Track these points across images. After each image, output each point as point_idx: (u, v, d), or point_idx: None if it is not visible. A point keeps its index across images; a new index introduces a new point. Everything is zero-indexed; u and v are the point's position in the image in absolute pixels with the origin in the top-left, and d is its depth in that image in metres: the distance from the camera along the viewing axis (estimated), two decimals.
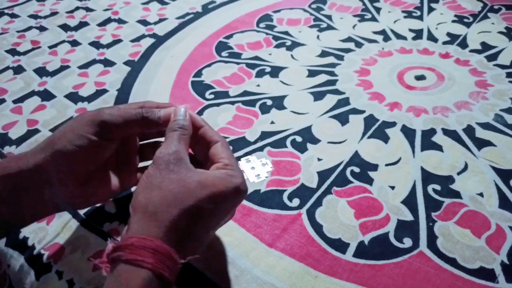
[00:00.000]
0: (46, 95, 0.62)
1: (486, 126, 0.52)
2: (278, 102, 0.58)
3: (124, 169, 0.41)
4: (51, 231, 0.42)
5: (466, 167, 0.47)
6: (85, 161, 0.36)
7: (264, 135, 0.53)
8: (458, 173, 0.46)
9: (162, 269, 0.28)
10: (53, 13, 0.85)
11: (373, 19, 0.75)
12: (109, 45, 0.73)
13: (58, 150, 0.34)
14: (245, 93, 0.60)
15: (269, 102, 0.58)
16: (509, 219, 0.41)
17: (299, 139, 0.52)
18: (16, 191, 0.35)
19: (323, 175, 0.47)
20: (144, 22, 0.80)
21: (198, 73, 0.65)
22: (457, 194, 0.44)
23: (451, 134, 0.51)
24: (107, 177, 0.39)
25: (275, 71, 0.64)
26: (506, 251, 0.38)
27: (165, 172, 0.32)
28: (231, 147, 0.38)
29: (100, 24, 0.80)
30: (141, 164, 0.43)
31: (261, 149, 0.50)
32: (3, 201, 0.35)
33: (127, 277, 0.27)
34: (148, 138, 0.43)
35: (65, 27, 0.80)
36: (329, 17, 0.77)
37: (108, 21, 0.81)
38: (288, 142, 0.51)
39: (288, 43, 0.70)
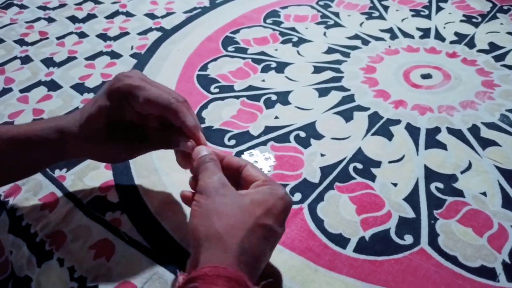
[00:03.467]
0: (53, 86, 0.63)
1: (491, 126, 0.51)
2: (283, 98, 0.58)
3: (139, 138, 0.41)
4: (53, 219, 0.43)
5: (470, 166, 0.46)
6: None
7: (268, 129, 0.53)
8: (462, 172, 0.46)
9: None
10: (62, 5, 0.85)
11: (381, 17, 0.75)
12: (116, 38, 0.74)
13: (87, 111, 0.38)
14: (250, 87, 0.60)
15: (274, 97, 0.58)
16: (511, 219, 0.41)
17: (302, 134, 0.52)
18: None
19: (325, 171, 0.47)
20: (151, 16, 0.80)
21: (204, 67, 0.65)
22: (460, 193, 0.44)
23: (456, 133, 0.51)
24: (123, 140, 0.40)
25: (281, 67, 0.64)
26: (508, 251, 0.38)
27: (218, 197, 0.31)
28: (234, 141, 0.40)
29: (108, 17, 0.80)
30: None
31: (264, 143, 0.50)
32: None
33: None
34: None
35: (73, 19, 0.80)
36: (336, 14, 0.76)
37: (116, 14, 0.81)
38: (291, 137, 0.51)
39: (295, 39, 0.70)
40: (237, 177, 0.36)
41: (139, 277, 0.37)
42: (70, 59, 0.68)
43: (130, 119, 0.39)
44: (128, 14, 0.81)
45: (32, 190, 0.46)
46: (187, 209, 0.43)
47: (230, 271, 0.27)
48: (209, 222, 0.30)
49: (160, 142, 0.40)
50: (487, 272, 0.37)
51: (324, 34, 0.71)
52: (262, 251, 0.31)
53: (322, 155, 0.49)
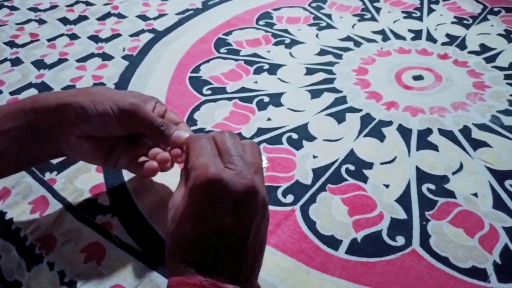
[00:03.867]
0: (43, 88, 0.62)
1: (482, 127, 0.52)
2: (276, 99, 0.58)
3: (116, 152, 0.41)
4: (43, 223, 0.42)
5: (461, 167, 0.47)
6: (95, 127, 0.38)
7: (261, 131, 0.53)
8: (453, 173, 0.46)
9: None
10: (53, 7, 0.85)
11: (373, 19, 0.75)
12: (107, 39, 0.73)
13: (83, 106, 0.37)
14: (243, 89, 0.60)
15: (266, 99, 0.58)
16: (502, 220, 0.41)
17: (295, 136, 0.52)
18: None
19: (318, 172, 0.47)
20: (143, 17, 0.80)
21: (196, 69, 0.65)
22: (451, 194, 0.44)
23: (447, 134, 0.51)
24: (101, 148, 0.40)
25: (273, 68, 0.64)
26: (499, 251, 0.38)
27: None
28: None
29: (99, 19, 0.80)
30: None
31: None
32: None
33: None
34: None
35: (64, 21, 0.80)
36: (328, 16, 0.77)
37: (107, 15, 0.81)
38: (284, 139, 0.51)
39: (287, 41, 0.70)
40: None
41: (130, 281, 0.37)
42: (61, 61, 0.68)
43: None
44: (120, 16, 0.80)
45: (22, 194, 0.46)
46: None
47: (175, 280, 0.28)
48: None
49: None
50: (479, 273, 0.37)
51: (317, 35, 0.71)
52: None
53: (314, 156, 0.49)
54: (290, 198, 0.44)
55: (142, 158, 0.41)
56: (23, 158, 0.39)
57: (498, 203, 0.43)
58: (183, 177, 0.34)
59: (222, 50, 0.69)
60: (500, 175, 0.45)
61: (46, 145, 0.38)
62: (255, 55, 0.67)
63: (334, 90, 0.59)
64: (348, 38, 0.70)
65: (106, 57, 0.69)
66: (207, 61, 0.66)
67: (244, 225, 0.30)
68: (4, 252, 0.41)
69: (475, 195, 0.43)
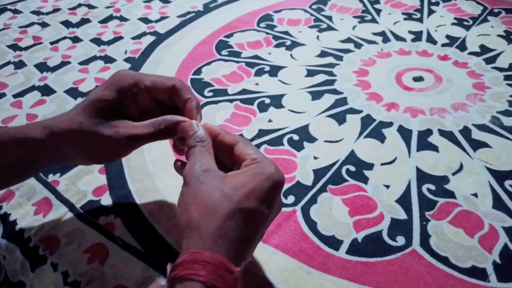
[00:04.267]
0: (46, 90, 0.63)
1: (482, 127, 0.52)
2: (277, 101, 0.58)
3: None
4: (47, 224, 0.43)
5: (461, 168, 0.47)
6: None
7: (262, 133, 0.53)
8: (453, 174, 0.46)
9: (215, 280, 0.27)
10: (56, 10, 0.85)
11: (373, 20, 0.76)
12: (110, 42, 0.74)
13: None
14: (244, 91, 0.60)
15: (267, 101, 0.58)
16: (502, 220, 0.41)
17: (296, 137, 0.52)
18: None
19: (318, 173, 0.47)
20: (145, 20, 0.80)
21: (198, 71, 0.65)
22: (451, 194, 0.44)
23: (447, 135, 0.51)
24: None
25: (274, 70, 0.64)
26: (499, 251, 0.39)
27: (197, 186, 0.31)
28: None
29: (101, 21, 0.81)
30: None
31: (258, 146, 0.51)
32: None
33: None
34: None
35: (67, 24, 0.80)
36: (329, 18, 0.77)
37: (109, 18, 0.81)
38: (285, 140, 0.52)
39: (288, 43, 0.71)
40: (232, 154, 0.35)
41: (133, 281, 0.37)
42: (63, 63, 0.69)
43: (129, 113, 0.39)
44: (122, 19, 0.81)
45: (26, 195, 0.46)
46: None
47: (206, 255, 0.28)
48: (188, 212, 0.30)
49: (157, 133, 0.38)
50: (478, 273, 0.37)
51: (317, 37, 0.72)
52: (245, 235, 0.30)
53: (315, 157, 0.49)
54: (291, 199, 0.44)
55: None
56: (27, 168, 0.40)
57: (498, 203, 0.43)
58: (206, 149, 0.34)
59: (224, 52, 0.69)
60: (500, 176, 0.46)
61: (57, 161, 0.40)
62: (256, 57, 0.68)
63: (335, 92, 0.59)
64: (348, 40, 0.70)
65: (108, 59, 0.69)
66: (209, 63, 0.67)
67: (273, 210, 0.33)
68: (8, 253, 0.42)
69: (475, 195, 0.44)
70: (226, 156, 0.36)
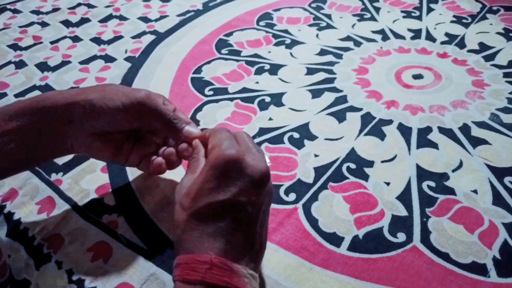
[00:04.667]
0: (47, 90, 0.63)
1: (481, 125, 0.52)
2: (277, 99, 0.58)
3: (125, 149, 0.42)
4: (50, 222, 0.43)
5: (461, 165, 0.47)
6: (107, 122, 0.39)
7: (262, 131, 0.53)
8: (453, 171, 0.47)
9: (186, 275, 0.29)
10: (55, 9, 0.85)
11: (372, 18, 0.76)
12: (110, 41, 0.74)
13: (93, 102, 0.38)
14: (244, 90, 0.61)
15: (268, 99, 0.58)
16: (502, 216, 0.42)
17: (296, 135, 0.52)
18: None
19: (319, 171, 0.47)
20: (145, 19, 0.80)
21: (198, 70, 0.65)
22: (451, 191, 0.44)
23: (447, 132, 0.51)
24: (111, 145, 0.41)
25: (274, 69, 0.65)
26: (498, 247, 0.39)
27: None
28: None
29: (101, 21, 0.81)
30: None
31: (259, 145, 0.51)
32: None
33: None
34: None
35: (66, 23, 0.80)
36: (328, 16, 0.77)
37: (109, 17, 0.82)
38: (285, 138, 0.52)
39: (288, 41, 0.71)
40: None
41: (136, 278, 0.38)
42: (64, 63, 0.69)
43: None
44: (122, 18, 0.81)
45: (29, 194, 0.46)
46: None
47: (180, 258, 0.31)
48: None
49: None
50: (478, 268, 0.37)
51: (317, 36, 0.72)
52: (210, 229, 0.31)
53: (315, 155, 0.49)
54: (292, 196, 0.45)
55: (153, 157, 0.42)
56: (29, 157, 0.39)
57: (498, 200, 0.43)
58: (194, 164, 0.36)
59: (223, 51, 0.70)
60: (499, 172, 0.46)
61: (54, 143, 0.39)
62: (256, 55, 0.68)
63: (335, 90, 0.60)
64: (348, 38, 0.71)
65: (108, 59, 0.69)
66: (209, 62, 0.67)
67: (256, 206, 0.32)
68: (13, 252, 0.42)
69: (475, 192, 0.44)
70: None
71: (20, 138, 0.37)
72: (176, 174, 0.46)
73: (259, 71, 0.64)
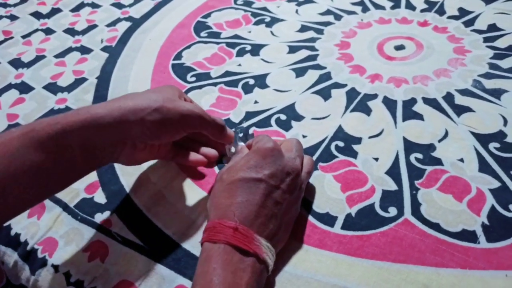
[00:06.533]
0: (24, 88, 0.61)
1: (464, 92, 0.53)
2: (261, 81, 0.58)
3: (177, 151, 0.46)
4: (42, 226, 0.43)
5: (446, 134, 0.48)
6: (161, 139, 0.41)
7: (249, 115, 0.53)
8: (439, 141, 0.47)
9: (213, 236, 0.33)
10: (23, 1, 0.82)
11: None
12: (84, 32, 0.71)
13: (147, 120, 0.38)
14: (227, 73, 0.60)
15: (252, 82, 0.58)
16: (488, 182, 0.43)
17: (283, 117, 0.52)
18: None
19: (309, 152, 0.47)
20: (118, 5, 0.78)
21: (178, 56, 0.64)
22: (438, 161, 0.45)
23: (431, 102, 0.52)
24: (163, 152, 0.45)
25: (256, 49, 0.64)
26: (486, 213, 0.40)
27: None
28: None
29: (73, 10, 0.78)
30: None
31: (246, 129, 0.51)
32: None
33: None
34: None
35: (37, 15, 0.77)
36: None
37: (81, 6, 0.79)
38: (272, 121, 0.52)
39: (267, 19, 0.70)
40: None
41: (135, 275, 0.38)
42: (39, 58, 0.67)
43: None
44: (94, 5, 0.78)
45: None
46: (176, 203, 0.43)
47: (210, 223, 0.35)
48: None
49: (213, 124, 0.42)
50: (468, 235, 0.39)
51: (296, 11, 0.71)
52: (247, 202, 0.35)
53: (304, 136, 0.49)
54: None
55: (191, 154, 0.46)
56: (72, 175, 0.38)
57: (484, 167, 0.44)
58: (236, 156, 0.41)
59: (203, 34, 0.68)
60: (484, 139, 0.47)
61: (97, 159, 0.38)
62: (236, 36, 0.67)
63: (318, 67, 0.59)
64: (328, 12, 0.70)
65: (84, 50, 0.67)
66: (188, 47, 0.66)
67: (283, 192, 0.37)
68: (7, 258, 0.42)
69: (461, 160, 0.45)
70: None
71: (69, 155, 0.36)
72: (168, 169, 0.46)
73: (241, 53, 0.63)
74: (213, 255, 0.32)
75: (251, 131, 0.50)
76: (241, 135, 0.44)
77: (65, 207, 0.44)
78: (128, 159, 0.41)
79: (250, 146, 0.41)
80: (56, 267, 0.39)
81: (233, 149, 0.43)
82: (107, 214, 0.43)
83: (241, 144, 0.43)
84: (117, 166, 0.48)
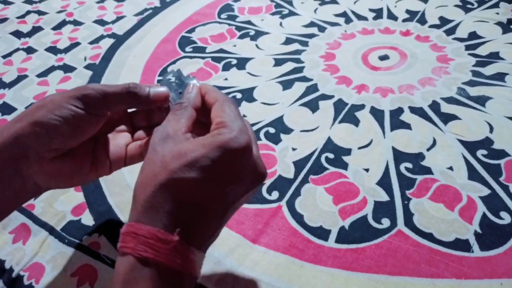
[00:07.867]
0: (6, 109, 0.60)
1: (450, 100, 0.53)
2: (248, 95, 0.57)
3: (101, 155, 0.36)
4: (28, 251, 0.41)
5: (434, 143, 0.48)
6: (65, 135, 0.32)
7: None
8: (428, 149, 0.47)
9: (143, 251, 0.26)
10: (3, 20, 0.81)
11: (333, 1, 0.75)
12: (67, 50, 0.70)
13: (38, 120, 0.31)
14: None
15: (239, 96, 0.57)
16: (478, 190, 0.43)
17: (272, 130, 0.52)
18: None
19: (299, 165, 0.47)
20: (101, 22, 0.77)
21: (163, 72, 0.63)
22: (428, 170, 0.45)
23: (418, 111, 0.52)
24: (84, 158, 0.35)
25: (242, 63, 0.63)
26: (478, 221, 0.40)
27: (149, 155, 0.29)
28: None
29: (54, 28, 0.77)
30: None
31: None
32: None
33: (117, 266, 0.27)
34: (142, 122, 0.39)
35: (17, 34, 0.76)
36: (289, 2, 0.76)
37: (63, 23, 0.78)
38: (261, 134, 0.51)
39: (252, 32, 0.70)
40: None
41: None
42: (20, 78, 0.65)
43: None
44: (76, 23, 0.78)
45: (1, 224, 0.44)
46: None
47: (137, 227, 0.27)
48: (136, 182, 0.29)
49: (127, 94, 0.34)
50: (462, 244, 0.39)
51: (280, 24, 0.71)
52: (183, 207, 0.27)
53: (293, 149, 0.49)
54: (275, 194, 0.44)
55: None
56: None
57: (473, 174, 0.44)
58: (181, 111, 0.31)
59: (187, 49, 0.68)
60: (471, 146, 0.47)
61: (14, 188, 0.33)
62: (221, 50, 0.67)
63: (305, 79, 0.59)
64: (311, 24, 0.70)
65: (67, 68, 0.66)
66: (173, 62, 0.65)
67: (240, 202, 0.30)
68: None
69: (451, 168, 0.45)
70: (208, 118, 0.32)
71: None
72: None
73: (227, 67, 0.63)
74: (139, 281, 0.26)
75: (185, 73, 0.38)
76: (173, 80, 0.35)
77: (51, 230, 0.43)
78: (48, 178, 0.33)
79: (204, 96, 0.33)
80: None
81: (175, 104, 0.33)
82: (95, 236, 0.42)
83: (180, 91, 0.34)
84: (104, 186, 0.47)
